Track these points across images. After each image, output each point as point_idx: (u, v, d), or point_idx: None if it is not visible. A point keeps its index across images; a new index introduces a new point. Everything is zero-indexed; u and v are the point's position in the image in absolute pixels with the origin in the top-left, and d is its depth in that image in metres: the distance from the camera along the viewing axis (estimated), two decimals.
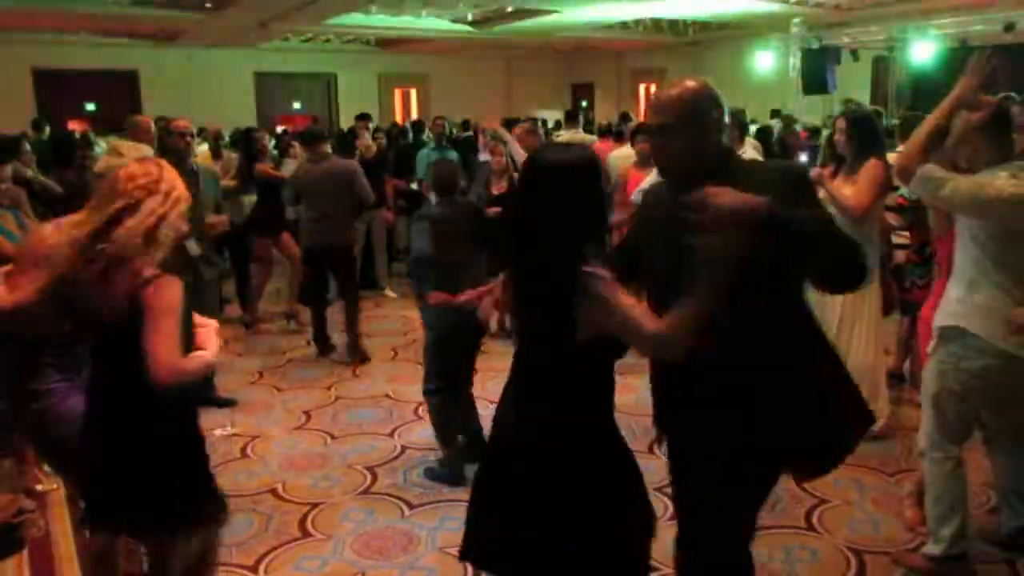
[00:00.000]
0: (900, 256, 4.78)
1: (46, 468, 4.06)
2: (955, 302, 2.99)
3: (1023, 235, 2.85)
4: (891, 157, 4.14)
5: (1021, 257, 2.87)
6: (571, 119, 10.03)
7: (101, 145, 9.27)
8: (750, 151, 6.20)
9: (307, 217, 6.10)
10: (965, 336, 2.93)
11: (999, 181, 2.81)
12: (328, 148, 6.38)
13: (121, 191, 2.33)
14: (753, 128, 9.43)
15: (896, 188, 4.41)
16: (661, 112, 2.17)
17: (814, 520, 3.63)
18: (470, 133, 10.89)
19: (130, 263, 2.28)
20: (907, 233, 4.75)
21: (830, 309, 4.38)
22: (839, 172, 4.28)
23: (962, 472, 3.08)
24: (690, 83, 2.19)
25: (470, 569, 3.28)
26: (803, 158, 7.64)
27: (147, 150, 3.18)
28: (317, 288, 6.29)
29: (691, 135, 2.15)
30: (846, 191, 4.16)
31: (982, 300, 2.90)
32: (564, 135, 9.30)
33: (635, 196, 5.14)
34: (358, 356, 6.04)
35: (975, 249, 2.94)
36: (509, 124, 7.31)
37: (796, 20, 14.80)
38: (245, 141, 7.38)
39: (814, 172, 4.53)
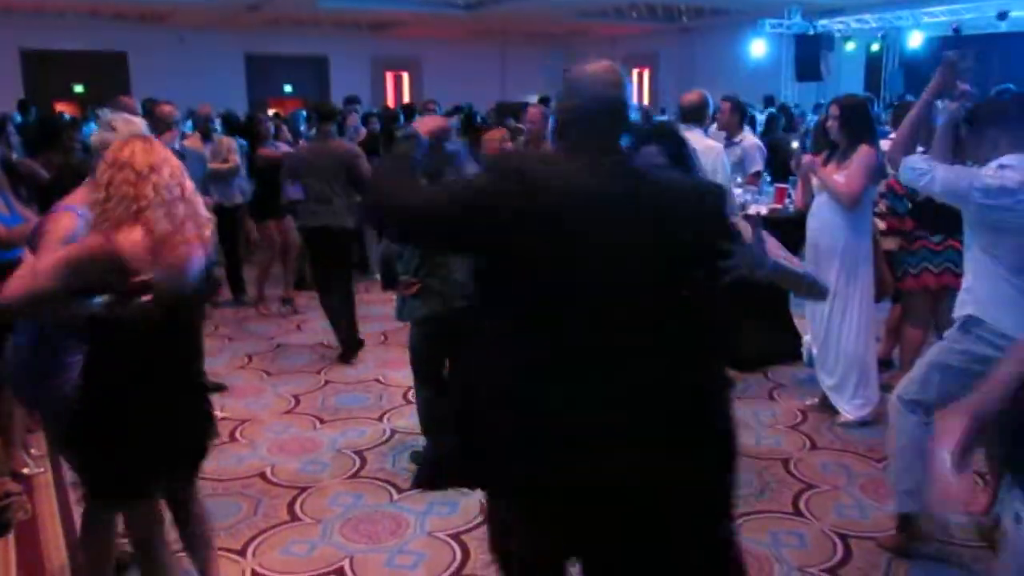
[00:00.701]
0: (890, 244, 4.78)
1: (33, 451, 4.05)
2: (965, 291, 3.00)
3: (1005, 230, 2.83)
4: (884, 144, 4.14)
5: (1006, 250, 2.85)
6: (544, 104, 10.35)
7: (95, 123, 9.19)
8: (749, 137, 6.21)
9: (308, 197, 5.92)
10: (979, 323, 2.92)
11: (982, 171, 2.82)
12: (334, 128, 6.24)
13: (154, 164, 2.39)
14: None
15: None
16: None
17: (801, 505, 3.64)
18: (460, 117, 10.85)
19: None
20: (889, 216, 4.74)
21: None
22: (832, 159, 4.28)
23: (927, 430, 3.10)
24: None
25: (458, 551, 3.29)
26: (795, 144, 7.64)
27: (140, 123, 3.13)
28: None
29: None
30: (838, 178, 4.16)
31: (986, 289, 2.91)
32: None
33: None
34: (352, 350, 5.81)
35: (971, 239, 2.96)
36: (500, 108, 7.25)
37: (791, 7, 14.78)
38: (247, 126, 7.60)
39: (805, 159, 4.53)
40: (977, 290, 2.93)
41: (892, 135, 5.04)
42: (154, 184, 2.36)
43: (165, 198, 2.36)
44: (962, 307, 2.99)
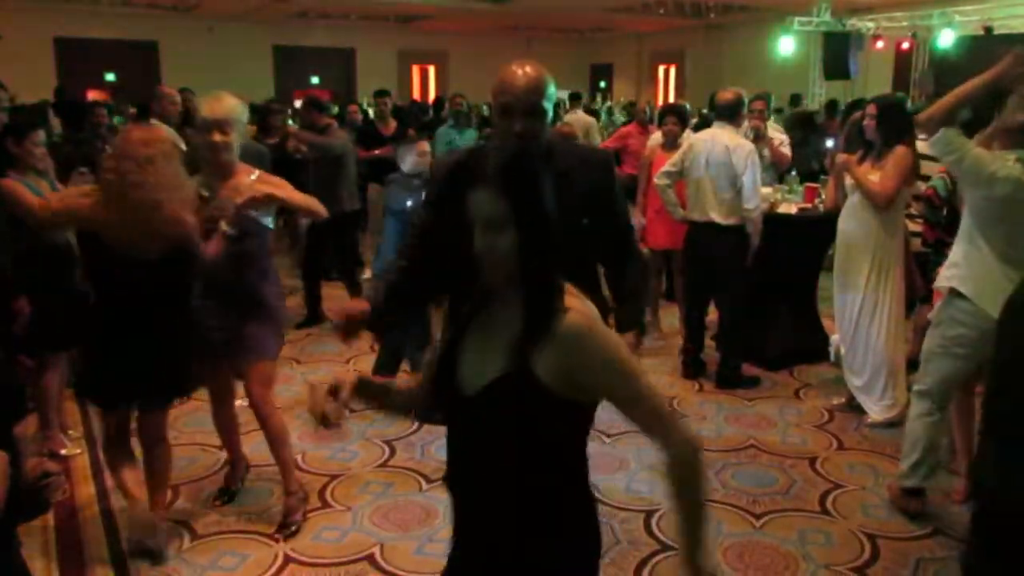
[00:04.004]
0: (916, 244, 4.75)
1: (71, 432, 4.12)
2: (952, 265, 3.14)
3: (1004, 217, 2.97)
4: (919, 145, 4.12)
5: (999, 236, 2.99)
6: (575, 100, 10.62)
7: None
8: (771, 132, 6.19)
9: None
10: (957, 298, 3.09)
11: (1005, 162, 2.92)
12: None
13: None
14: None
15: (927, 178, 4.39)
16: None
17: (828, 504, 3.65)
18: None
19: None
20: (921, 220, 4.71)
21: (851, 297, 4.39)
22: (867, 158, 4.26)
23: (940, 424, 3.37)
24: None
25: None
26: (829, 143, 7.59)
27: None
28: (316, 259, 6.44)
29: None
30: (873, 177, 4.15)
31: (973, 265, 3.05)
32: (568, 116, 9.46)
33: (658, 178, 5.13)
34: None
35: (969, 217, 3.09)
36: None
37: (819, 4, 14.65)
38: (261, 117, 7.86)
39: (840, 158, 4.52)
40: (965, 265, 3.07)
41: (921, 137, 5.03)
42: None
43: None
44: (948, 280, 3.14)
